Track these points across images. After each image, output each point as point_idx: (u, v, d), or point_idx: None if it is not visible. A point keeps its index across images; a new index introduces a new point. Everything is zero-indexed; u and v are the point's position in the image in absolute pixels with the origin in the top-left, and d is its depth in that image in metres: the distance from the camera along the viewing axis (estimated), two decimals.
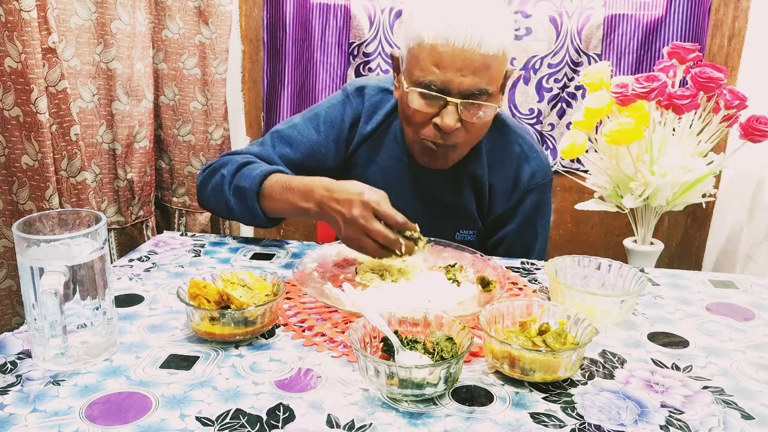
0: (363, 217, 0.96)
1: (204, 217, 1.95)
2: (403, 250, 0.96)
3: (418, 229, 0.97)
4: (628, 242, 1.65)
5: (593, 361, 0.80)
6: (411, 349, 0.75)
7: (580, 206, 1.65)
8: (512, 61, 1.98)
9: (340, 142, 1.24)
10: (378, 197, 0.97)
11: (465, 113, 1.04)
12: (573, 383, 0.75)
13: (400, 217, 0.96)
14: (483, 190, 1.21)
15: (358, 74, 2.04)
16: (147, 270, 1.03)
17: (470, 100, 1.03)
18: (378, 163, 1.24)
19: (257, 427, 0.65)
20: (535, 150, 1.22)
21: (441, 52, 1.00)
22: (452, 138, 1.07)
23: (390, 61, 2.00)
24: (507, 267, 1.09)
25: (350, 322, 0.87)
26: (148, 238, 1.78)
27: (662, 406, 0.71)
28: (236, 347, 0.80)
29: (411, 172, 1.21)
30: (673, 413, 0.70)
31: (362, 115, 1.23)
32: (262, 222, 1.13)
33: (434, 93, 1.03)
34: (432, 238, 1.11)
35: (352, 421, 0.66)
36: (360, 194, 0.97)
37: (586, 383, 0.75)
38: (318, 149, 1.22)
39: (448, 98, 1.03)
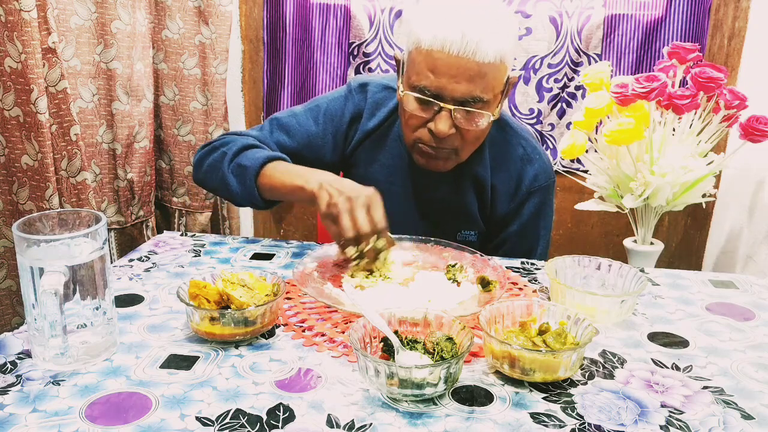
0: (361, 204, 0.97)
1: (204, 217, 1.95)
2: (364, 250, 0.97)
3: (387, 243, 0.99)
4: (628, 242, 1.65)
5: (593, 361, 0.80)
6: (411, 349, 0.75)
7: (580, 206, 1.65)
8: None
9: (339, 137, 1.24)
10: (377, 198, 0.99)
11: (459, 119, 1.05)
12: (573, 383, 0.75)
13: (381, 221, 0.97)
14: (485, 191, 1.22)
15: (357, 74, 2.04)
16: (147, 270, 1.03)
17: (464, 107, 1.03)
18: (380, 161, 1.24)
19: (257, 427, 0.65)
20: (538, 152, 1.22)
21: (436, 58, 1.00)
22: (447, 143, 1.08)
23: (390, 61, 2.01)
24: (507, 267, 1.09)
25: (350, 322, 0.87)
26: (148, 238, 1.78)
27: (662, 406, 0.71)
28: (236, 347, 0.80)
29: (413, 172, 1.21)
30: (673, 413, 0.70)
31: (364, 112, 1.23)
32: (256, 200, 1.12)
33: (428, 98, 1.04)
34: (432, 239, 1.11)
35: (352, 421, 0.66)
36: (367, 189, 0.99)
37: (586, 383, 0.75)
38: (315, 141, 1.23)
39: (442, 104, 1.03)
